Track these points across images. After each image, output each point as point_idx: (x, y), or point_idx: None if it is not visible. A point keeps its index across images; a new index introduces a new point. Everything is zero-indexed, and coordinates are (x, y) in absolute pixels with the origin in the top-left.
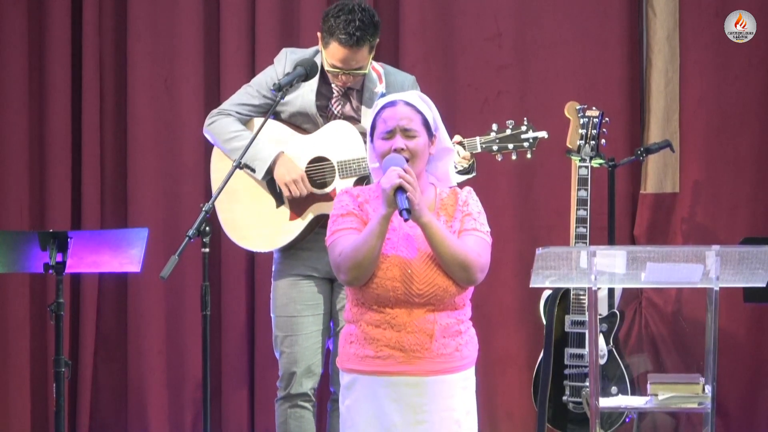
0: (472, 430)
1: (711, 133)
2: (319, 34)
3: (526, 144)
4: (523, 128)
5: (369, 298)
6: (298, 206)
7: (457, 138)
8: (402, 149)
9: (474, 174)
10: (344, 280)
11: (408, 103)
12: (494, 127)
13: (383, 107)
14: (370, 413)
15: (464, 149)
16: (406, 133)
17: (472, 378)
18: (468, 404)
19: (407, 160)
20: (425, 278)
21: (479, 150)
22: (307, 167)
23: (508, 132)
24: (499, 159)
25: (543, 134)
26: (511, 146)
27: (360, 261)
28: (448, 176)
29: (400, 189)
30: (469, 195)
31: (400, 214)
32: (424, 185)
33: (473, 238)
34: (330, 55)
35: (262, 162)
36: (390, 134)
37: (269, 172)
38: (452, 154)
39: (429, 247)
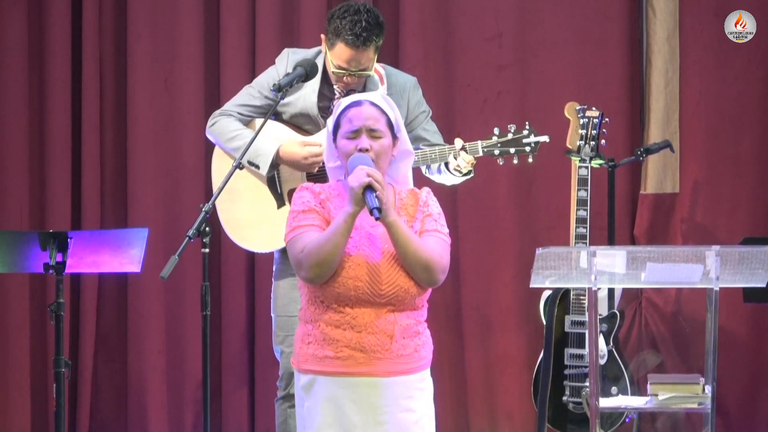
0: (431, 431)
1: (711, 133)
2: (323, 35)
3: (527, 148)
4: (525, 132)
5: (329, 296)
6: None
7: (459, 142)
8: (367, 149)
9: (472, 175)
10: (305, 277)
11: (373, 104)
12: (496, 131)
13: (348, 106)
14: (330, 414)
15: (467, 153)
16: (372, 133)
17: (429, 379)
18: (426, 406)
19: (372, 161)
20: (387, 278)
21: (481, 154)
22: None
23: (510, 136)
24: (501, 163)
25: (545, 138)
26: (512, 150)
27: (324, 258)
28: (406, 179)
29: (369, 188)
30: (428, 196)
31: (371, 212)
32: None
33: (434, 239)
34: (336, 56)
35: (264, 156)
36: (355, 134)
37: (274, 165)
38: (411, 157)
39: (392, 247)
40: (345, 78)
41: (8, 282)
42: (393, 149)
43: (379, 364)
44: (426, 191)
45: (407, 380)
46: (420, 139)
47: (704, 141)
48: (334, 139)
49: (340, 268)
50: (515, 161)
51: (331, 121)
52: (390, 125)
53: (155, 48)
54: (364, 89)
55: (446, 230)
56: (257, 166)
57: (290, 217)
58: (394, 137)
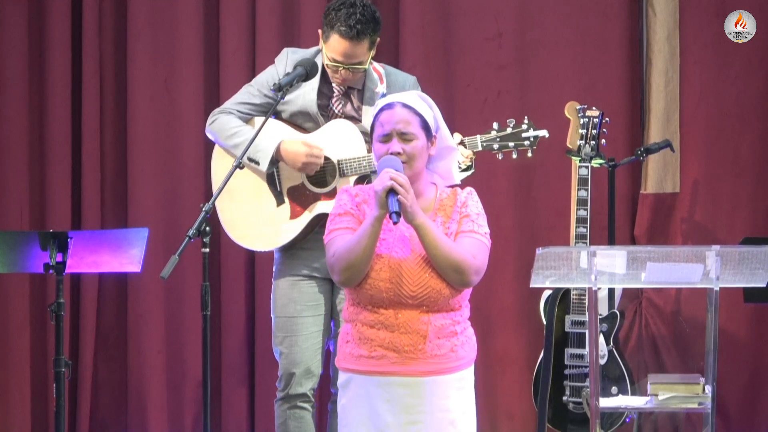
0: (470, 430)
1: (711, 133)
2: (320, 30)
3: (526, 143)
4: (524, 127)
5: (363, 298)
6: (298, 205)
7: (458, 137)
8: (399, 153)
9: (473, 171)
10: (338, 281)
11: (405, 105)
12: (495, 125)
13: (381, 110)
14: (363, 413)
15: (465, 147)
16: (403, 136)
17: (470, 378)
18: (465, 405)
19: (404, 163)
20: (417, 280)
21: (480, 148)
22: None
23: (509, 131)
24: (500, 158)
25: (544, 133)
26: (511, 145)
27: (352, 262)
28: (451, 174)
29: (391, 191)
30: (469, 196)
31: (390, 217)
32: (424, 185)
33: (469, 240)
34: (330, 48)
35: (264, 152)
36: (386, 138)
37: (274, 161)
38: (455, 153)
39: (423, 248)
40: (340, 71)
41: (8, 282)
42: (431, 148)
43: (412, 364)
44: (467, 191)
45: (443, 380)
46: None
47: (704, 141)
48: (372, 142)
49: (371, 270)
50: (514, 156)
51: (369, 123)
52: (425, 125)
53: (155, 48)
54: (363, 87)
55: (485, 230)
56: (257, 162)
57: (328, 220)
58: (431, 136)
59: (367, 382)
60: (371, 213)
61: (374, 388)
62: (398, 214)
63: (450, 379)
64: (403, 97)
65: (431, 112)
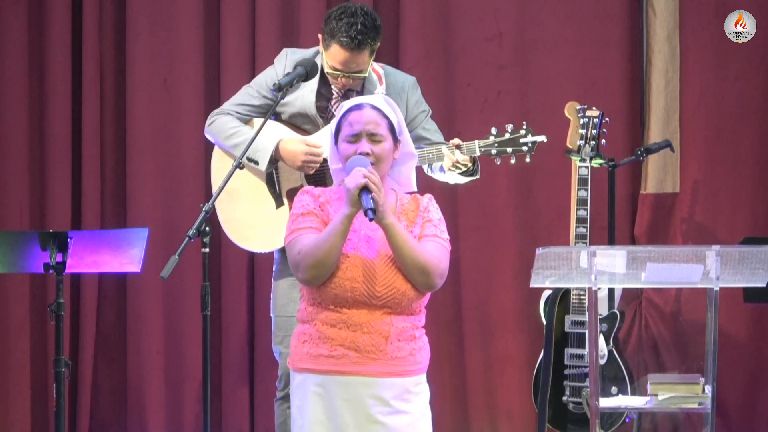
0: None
1: (711, 133)
2: (320, 35)
3: (524, 148)
4: (522, 132)
5: (326, 297)
6: None
7: (456, 141)
8: (368, 154)
9: (478, 176)
10: (303, 279)
11: (374, 107)
12: (493, 130)
13: (349, 110)
14: (321, 412)
15: (462, 153)
16: (372, 137)
17: (425, 384)
18: (422, 408)
19: (372, 164)
20: (384, 280)
21: (477, 154)
22: None
23: (507, 136)
24: (498, 163)
25: (542, 138)
26: (509, 150)
27: (320, 259)
28: (410, 181)
29: (365, 189)
30: (429, 202)
31: (365, 213)
32: (385, 190)
33: (433, 244)
34: (330, 57)
35: (263, 152)
36: (356, 138)
37: (273, 161)
38: (415, 160)
39: (389, 249)
40: (340, 79)
41: (8, 282)
42: (395, 152)
43: (372, 364)
44: (428, 197)
45: (402, 382)
46: (421, 138)
47: (704, 141)
48: (336, 142)
49: (337, 269)
50: (512, 161)
51: (333, 124)
52: (391, 128)
53: (155, 48)
54: (362, 89)
55: (446, 236)
56: (256, 162)
57: (289, 220)
58: (396, 140)
59: (326, 382)
60: (342, 211)
61: (334, 387)
62: (374, 211)
63: (408, 382)
64: (372, 99)
65: (396, 116)
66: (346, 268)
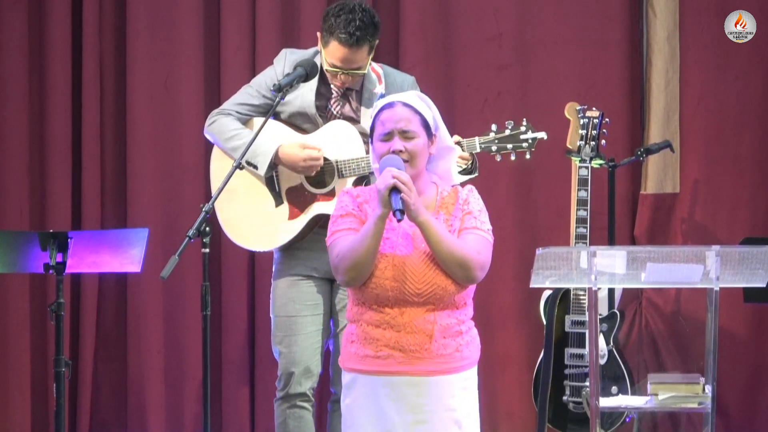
0: (473, 431)
1: (711, 133)
2: (318, 33)
3: (525, 144)
4: (522, 128)
5: (368, 297)
6: (297, 206)
7: (456, 138)
8: (400, 151)
9: (476, 174)
10: (342, 281)
11: (406, 104)
12: (493, 127)
13: (381, 109)
14: (369, 413)
15: (463, 149)
16: (404, 134)
17: (474, 378)
18: (469, 405)
19: (406, 162)
20: (423, 277)
21: (478, 150)
22: None
23: (507, 132)
24: (498, 159)
25: (542, 135)
26: (510, 146)
27: (356, 261)
28: (449, 174)
29: (394, 189)
30: (470, 193)
31: (394, 214)
32: (425, 184)
33: (473, 236)
34: (329, 54)
35: (263, 156)
36: (388, 136)
37: (272, 166)
38: (454, 153)
39: (427, 245)
40: (339, 76)
41: (8, 282)
42: (431, 147)
43: (418, 363)
44: (468, 188)
45: (448, 380)
46: None
47: (704, 141)
48: (372, 142)
49: (376, 269)
50: (513, 158)
51: (368, 123)
52: (425, 124)
53: (155, 47)
54: (361, 88)
55: (488, 227)
56: (255, 167)
57: (330, 222)
58: (431, 135)
59: (373, 382)
60: (374, 212)
61: (380, 387)
62: (402, 212)
63: (455, 379)
64: (403, 97)
65: (430, 111)
66: (385, 267)
